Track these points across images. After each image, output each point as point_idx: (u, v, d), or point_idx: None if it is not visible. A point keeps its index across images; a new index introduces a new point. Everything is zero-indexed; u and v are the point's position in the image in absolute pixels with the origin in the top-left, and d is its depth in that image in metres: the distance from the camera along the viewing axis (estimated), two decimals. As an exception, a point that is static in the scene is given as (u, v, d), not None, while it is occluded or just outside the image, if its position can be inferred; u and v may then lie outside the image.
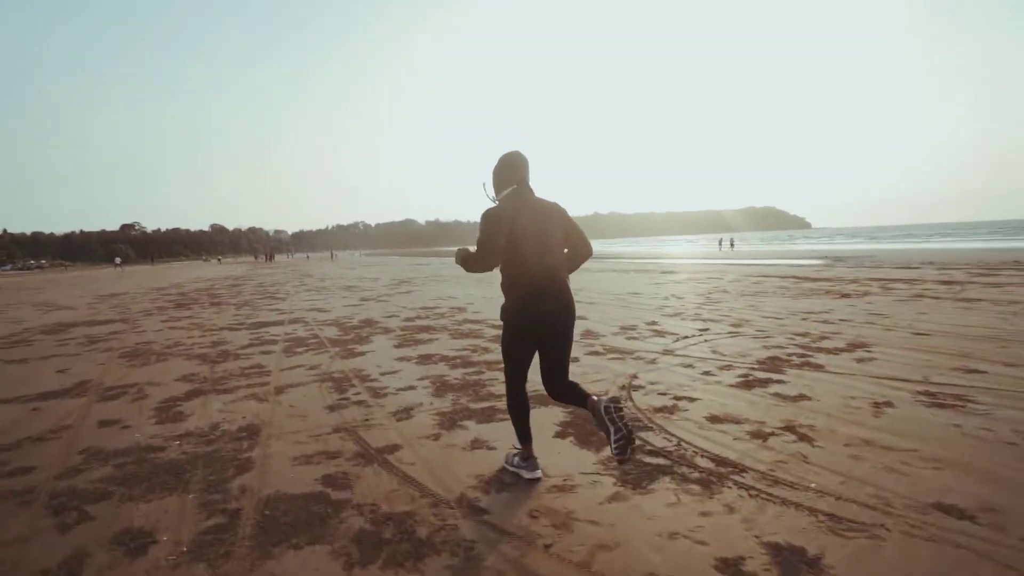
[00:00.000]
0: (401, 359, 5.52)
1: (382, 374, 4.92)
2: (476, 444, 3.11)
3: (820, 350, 5.06)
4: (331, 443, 3.21)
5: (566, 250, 2.59)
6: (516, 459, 2.66)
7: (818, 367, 4.47)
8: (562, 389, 2.49)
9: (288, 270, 34.58)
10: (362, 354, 5.88)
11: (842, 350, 5.02)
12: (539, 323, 2.43)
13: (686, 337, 5.98)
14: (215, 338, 7.42)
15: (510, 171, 2.51)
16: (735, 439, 2.99)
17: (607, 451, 2.81)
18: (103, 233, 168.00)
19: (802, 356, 4.86)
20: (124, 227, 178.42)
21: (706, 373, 4.43)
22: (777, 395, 3.76)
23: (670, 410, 3.53)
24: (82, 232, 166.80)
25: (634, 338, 6.07)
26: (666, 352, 5.27)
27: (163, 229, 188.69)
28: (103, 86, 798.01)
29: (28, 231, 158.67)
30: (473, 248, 2.46)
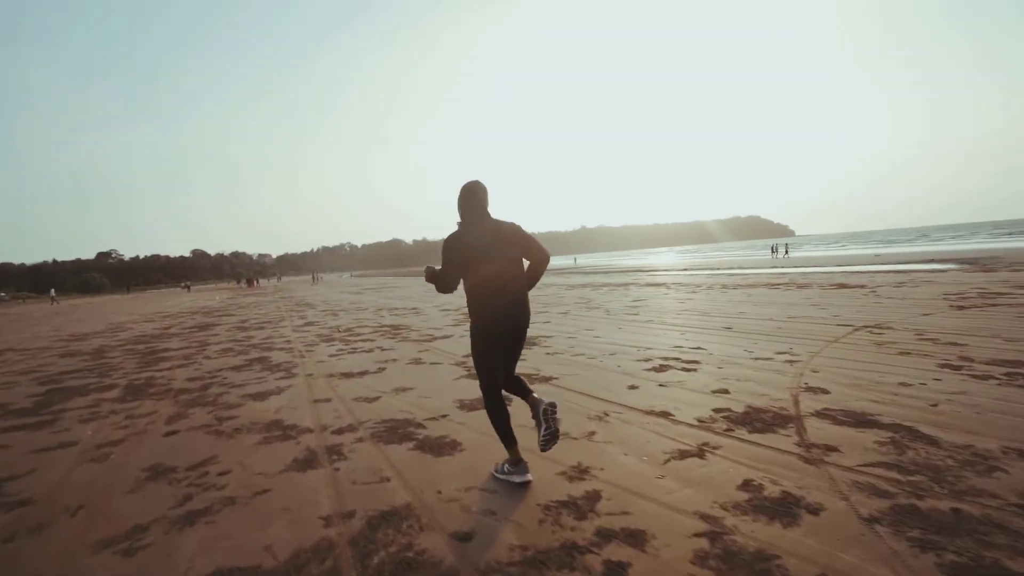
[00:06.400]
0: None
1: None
2: None
3: None
4: None
5: (527, 262, 2.75)
6: (505, 466, 2.74)
7: None
8: (510, 382, 2.79)
9: (277, 297, 27.62)
10: None
11: None
12: (503, 336, 2.67)
13: None
14: None
15: (470, 199, 2.65)
16: None
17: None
18: (77, 262, 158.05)
19: None
20: (100, 255, 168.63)
21: None
22: None
23: None
24: (55, 261, 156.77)
25: None
26: None
27: (142, 256, 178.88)
28: (86, 108, 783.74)
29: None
30: (439, 267, 2.69)
